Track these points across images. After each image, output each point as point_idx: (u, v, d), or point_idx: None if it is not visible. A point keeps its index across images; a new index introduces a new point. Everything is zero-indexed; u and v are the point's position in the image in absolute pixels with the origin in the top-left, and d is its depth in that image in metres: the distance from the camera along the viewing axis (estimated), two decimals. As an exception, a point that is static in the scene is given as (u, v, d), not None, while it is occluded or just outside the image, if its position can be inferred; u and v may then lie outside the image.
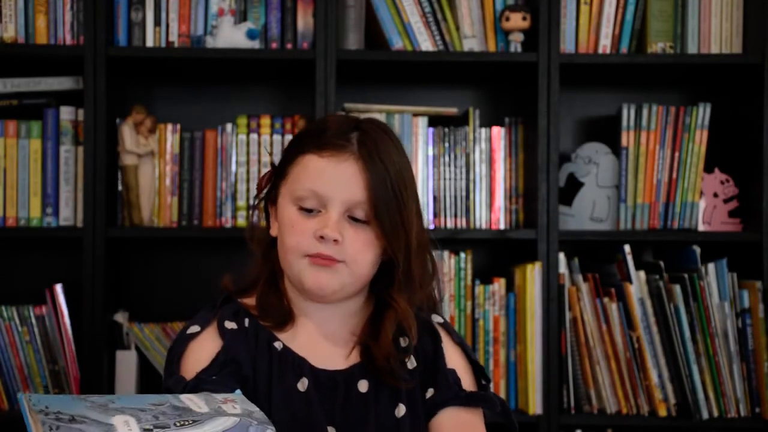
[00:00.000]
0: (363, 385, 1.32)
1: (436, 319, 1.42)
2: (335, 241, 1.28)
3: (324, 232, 1.27)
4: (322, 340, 1.36)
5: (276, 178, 1.37)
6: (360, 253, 1.30)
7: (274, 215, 1.36)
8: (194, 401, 1.11)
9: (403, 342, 1.36)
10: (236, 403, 1.13)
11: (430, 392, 1.34)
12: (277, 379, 1.30)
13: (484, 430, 1.38)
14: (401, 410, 1.31)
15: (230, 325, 1.33)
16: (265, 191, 1.40)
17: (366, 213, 1.29)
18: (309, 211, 1.30)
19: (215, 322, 1.34)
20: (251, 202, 2.29)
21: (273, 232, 1.37)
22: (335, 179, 1.29)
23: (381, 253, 1.32)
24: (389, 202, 1.29)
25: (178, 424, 1.03)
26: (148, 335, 2.36)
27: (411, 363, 1.35)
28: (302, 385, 1.31)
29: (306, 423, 1.28)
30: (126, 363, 2.33)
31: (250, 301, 1.38)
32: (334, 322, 1.36)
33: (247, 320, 1.34)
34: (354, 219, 1.30)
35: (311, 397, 1.30)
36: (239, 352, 1.30)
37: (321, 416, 1.29)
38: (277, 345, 1.33)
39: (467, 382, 1.37)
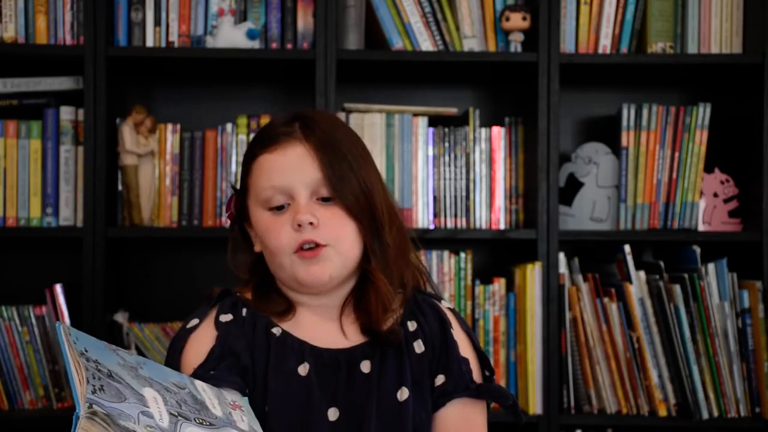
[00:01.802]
0: (366, 366, 1.33)
1: (445, 304, 1.42)
2: (311, 224, 1.29)
3: (298, 219, 1.29)
4: (323, 322, 1.36)
5: (242, 198, 1.38)
6: (340, 229, 1.31)
7: (254, 233, 1.38)
8: (208, 394, 1.12)
9: (411, 326, 1.36)
10: (244, 413, 1.14)
11: (440, 379, 1.34)
12: (275, 366, 1.31)
13: (485, 423, 1.38)
14: (404, 393, 1.31)
15: (225, 317, 1.34)
16: (236, 215, 1.41)
17: (330, 189, 1.31)
18: (280, 208, 1.32)
19: (213, 314, 1.35)
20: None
21: (257, 248, 1.38)
22: (290, 167, 1.31)
23: (360, 230, 1.33)
24: (345, 172, 1.31)
25: (197, 420, 1.04)
26: (148, 335, 2.36)
27: (419, 347, 1.35)
28: (304, 369, 1.31)
29: (306, 407, 1.29)
30: (126, 363, 2.33)
31: (249, 294, 1.39)
32: (333, 307, 1.37)
33: (244, 310, 1.35)
34: (324, 199, 1.32)
35: (312, 381, 1.30)
36: (236, 343, 1.31)
37: (322, 400, 1.29)
38: (276, 331, 1.33)
39: (475, 374, 1.37)
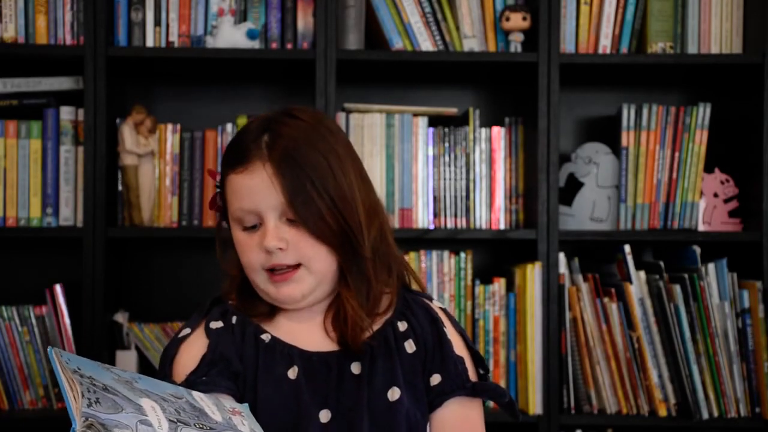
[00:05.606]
0: (356, 367, 1.32)
1: (436, 304, 1.41)
2: (280, 248, 1.28)
3: (265, 245, 1.28)
4: (311, 326, 1.36)
5: (223, 203, 1.38)
6: (311, 249, 1.29)
7: None
8: (206, 402, 1.12)
9: (402, 326, 1.35)
10: (244, 418, 1.14)
11: (436, 379, 1.33)
12: (264, 371, 1.30)
13: (483, 421, 1.38)
14: (395, 393, 1.30)
15: (216, 324, 1.34)
16: (219, 214, 1.42)
17: (294, 214, 1.29)
18: (252, 227, 1.31)
19: (203, 323, 1.35)
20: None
21: None
22: (254, 192, 1.29)
23: (331, 249, 1.31)
24: (308, 194, 1.28)
25: (197, 426, 1.03)
26: (148, 335, 2.36)
27: (410, 347, 1.34)
28: (293, 372, 1.31)
29: (296, 411, 1.28)
30: (126, 363, 2.33)
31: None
32: (319, 312, 1.37)
33: (234, 318, 1.35)
34: (293, 220, 1.29)
35: (301, 384, 1.30)
36: (226, 350, 1.31)
37: (313, 403, 1.29)
38: (265, 337, 1.33)
39: (470, 373, 1.36)
